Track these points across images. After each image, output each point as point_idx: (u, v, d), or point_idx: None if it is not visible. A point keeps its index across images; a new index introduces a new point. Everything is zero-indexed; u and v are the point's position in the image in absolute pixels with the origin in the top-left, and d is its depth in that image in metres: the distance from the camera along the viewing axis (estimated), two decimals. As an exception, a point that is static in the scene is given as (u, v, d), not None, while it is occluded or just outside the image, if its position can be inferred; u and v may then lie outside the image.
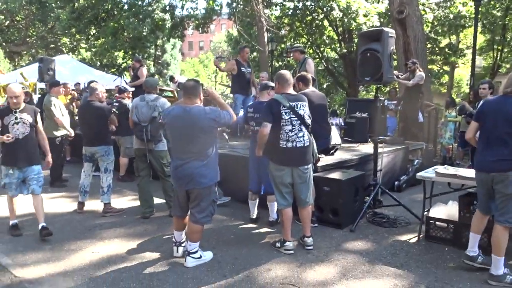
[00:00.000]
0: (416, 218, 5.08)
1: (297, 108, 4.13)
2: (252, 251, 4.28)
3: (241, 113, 8.83)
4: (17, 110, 4.59)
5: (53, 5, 23.41)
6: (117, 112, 6.35)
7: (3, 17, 31.78)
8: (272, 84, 5.28)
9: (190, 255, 3.93)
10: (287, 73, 4.34)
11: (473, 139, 3.89)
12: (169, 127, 3.99)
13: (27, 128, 4.61)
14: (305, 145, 4.16)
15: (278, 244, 4.31)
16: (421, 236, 4.63)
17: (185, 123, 3.80)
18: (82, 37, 24.74)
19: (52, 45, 31.03)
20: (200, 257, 3.99)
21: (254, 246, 4.45)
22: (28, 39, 32.75)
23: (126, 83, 10.67)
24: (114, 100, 7.61)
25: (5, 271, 3.82)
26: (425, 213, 4.66)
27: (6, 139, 4.45)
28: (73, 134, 7.04)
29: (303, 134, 4.15)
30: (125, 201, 6.23)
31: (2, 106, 4.91)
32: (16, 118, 4.56)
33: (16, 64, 31.35)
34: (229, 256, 4.15)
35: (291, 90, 4.30)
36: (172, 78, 14.10)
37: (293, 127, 4.10)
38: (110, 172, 5.58)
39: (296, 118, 4.10)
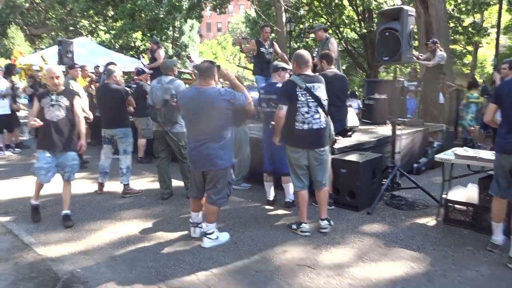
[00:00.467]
0: (434, 201, 5.03)
1: (313, 89, 4.06)
2: (268, 233, 4.31)
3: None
4: (55, 93, 4.47)
5: (72, -14, 23.52)
6: (134, 93, 6.39)
7: (23, 0, 32.13)
8: (283, 65, 5.24)
9: (207, 235, 3.98)
10: (305, 54, 4.23)
11: (492, 121, 3.81)
12: (184, 109, 3.99)
13: (62, 112, 4.46)
14: (322, 127, 4.11)
15: (294, 226, 4.32)
16: (439, 219, 4.59)
17: (200, 105, 3.80)
18: (100, 19, 24.85)
19: (71, 28, 31.29)
20: (217, 238, 4.03)
21: (271, 227, 4.47)
22: (47, 21, 33.13)
23: (144, 65, 10.69)
24: (132, 82, 7.65)
25: (29, 249, 3.94)
26: (444, 196, 4.60)
27: (32, 124, 4.38)
28: (91, 117, 7.10)
29: (320, 116, 4.09)
30: (144, 182, 6.32)
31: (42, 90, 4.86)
32: (52, 100, 4.44)
33: (37, 47, 31.76)
34: (245, 237, 4.19)
35: (308, 72, 4.21)
36: (188, 57, 14.15)
37: (309, 109, 4.04)
38: (129, 154, 5.65)
39: (312, 100, 4.04)
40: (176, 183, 5.78)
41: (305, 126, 4.05)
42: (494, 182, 3.76)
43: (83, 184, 6.19)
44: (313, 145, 4.12)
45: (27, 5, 32.61)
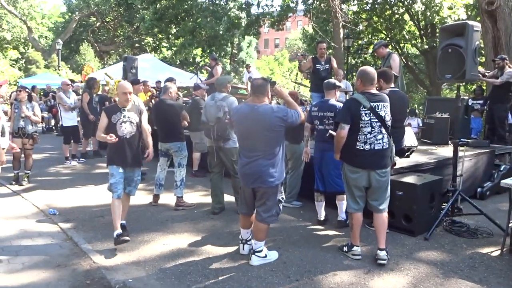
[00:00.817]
0: (499, 229, 4.67)
1: (378, 109, 3.88)
2: (318, 254, 4.20)
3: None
4: (126, 109, 4.48)
5: (139, 6, 24.85)
6: (189, 108, 6.59)
7: (94, 18, 34.46)
8: (339, 84, 5.16)
9: (256, 253, 3.95)
10: (371, 71, 4.06)
11: None
12: (237, 125, 4.02)
13: (133, 128, 4.50)
14: (384, 147, 3.92)
15: (345, 248, 4.17)
16: (504, 249, 4.24)
17: (253, 122, 3.81)
18: (164, 37, 26.00)
19: (137, 45, 33.09)
20: (266, 256, 3.99)
21: (321, 248, 4.36)
22: (115, 39, 35.21)
23: (201, 81, 11.00)
24: (190, 98, 7.90)
25: (86, 256, 4.11)
26: (511, 224, 4.26)
27: (109, 139, 4.30)
28: (150, 130, 7.38)
29: (383, 136, 3.91)
30: (197, 196, 6.43)
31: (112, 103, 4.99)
32: (124, 117, 4.43)
33: (105, 62, 33.76)
34: (294, 257, 4.11)
35: (373, 90, 4.03)
36: (248, 66, 14.40)
37: (373, 129, 3.87)
38: (183, 167, 5.80)
39: (376, 120, 3.87)
40: (228, 198, 5.82)
41: (367, 147, 3.88)
42: None
43: (139, 195, 6.37)
44: (374, 166, 3.92)
45: (98, 23, 34.92)
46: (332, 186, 4.89)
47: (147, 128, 4.81)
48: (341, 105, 4.78)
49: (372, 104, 3.86)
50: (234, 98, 5.41)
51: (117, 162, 4.45)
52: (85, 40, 33.18)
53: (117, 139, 4.33)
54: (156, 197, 5.94)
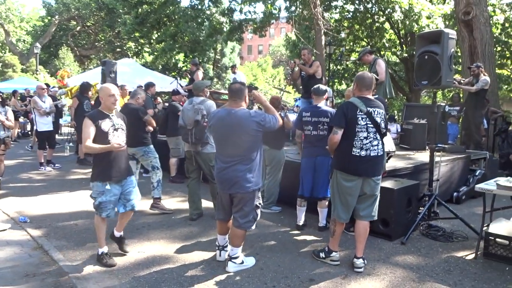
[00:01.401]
0: (474, 233, 4.72)
1: (374, 114, 3.80)
2: (296, 260, 4.17)
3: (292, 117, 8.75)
4: (113, 115, 4.02)
5: (120, 10, 24.65)
6: (164, 113, 6.55)
7: (75, 23, 34.01)
8: (325, 88, 5.17)
9: (232, 260, 3.89)
10: (368, 76, 3.97)
11: None
12: (214, 129, 3.98)
13: (125, 135, 4.09)
14: (379, 154, 3.84)
15: (322, 254, 4.09)
16: (479, 253, 4.28)
17: (230, 126, 3.77)
18: (145, 41, 25.81)
19: (118, 49, 32.72)
20: (242, 262, 3.93)
21: (299, 254, 4.33)
22: (96, 43, 34.81)
23: (181, 86, 10.92)
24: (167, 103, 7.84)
25: (56, 265, 3.99)
26: (485, 228, 4.31)
27: (118, 147, 3.82)
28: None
29: (378, 143, 3.82)
30: (175, 202, 6.34)
31: (93, 110, 4.11)
32: (116, 124, 3.99)
33: (86, 67, 33.31)
34: (272, 263, 4.07)
35: (369, 95, 3.94)
36: (233, 67, 14.37)
37: (368, 135, 3.77)
38: (157, 169, 5.79)
39: (372, 125, 3.78)
40: (206, 204, 5.75)
41: (363, 153, 3.76)
42: None
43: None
44: (370, 173, 3.82)
45: (79, 27, 34.48)
46: (319, 191, 4.88)
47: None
48: (333, 110, 4.78)
49: (368, 109, 3.79)
50: (212, 102, 5.37)
51: (106, 178, 3.90)
52: (64, 44, 32.71)
53: (124, 147, 3.92)
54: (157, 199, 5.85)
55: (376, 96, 5.16)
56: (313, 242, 4.68)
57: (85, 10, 31.45)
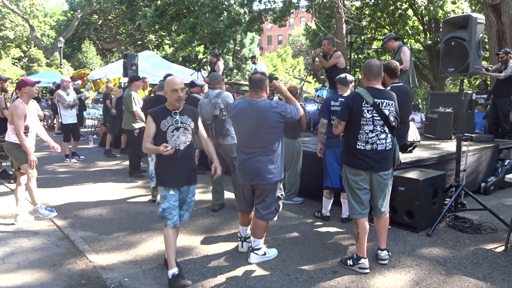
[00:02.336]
0: (504, 225, 4.58)
1: (381, 106, 3.59)
2: (318, 251, 4.13)
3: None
4: (177, 112, 3.57)
5: (141, 3, 24.78)
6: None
7: (97, 16, 34.44)
8: (351, 77, 5.07)
9: (254, 251, 3.88)
10: (377, 64, 3.77)
11: None
12: (235, 121, 3.94)
13: (188, 136, 3.60)
14: (387, 148, 3.64)
15: (350, 262, 3.74)
16: (509, 245, 4.14)
17: (251, 117, 3.73)
18: (165, 34, 25.93)
19: (139, 42, 33.03)
20: (264, 254, 3.92)
21: (322, 246, 4.29)
22: (118, 36, 35.20)
23: (204, 78, 10.91)
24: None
25: (82, 256, 4.05)
26: (515, 220, 4.17)
27: (164, 151, 3.34)
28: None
29: (386, 136, 3.62)
30: (197, 193, 6.31)
31: (160, 107, 3.65)
32: (176, 122, 3.52)
33: (108, 60, 33.75)
34: (294, 255, 4.04)
35: (378, 85, 3.73)
36: (254, 58, 14.29)
37: (375, 128, 3.58)
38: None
39: (379, 118, 3.58)
40: (228, 195, 5.75)
41: (368, 147, 3.60)
42: None
43: (138, 193, 6.36)
44: (377, 168, 3.64)
45: (100, 21, 34.90)
46: (339, 182, 4.81)
47: (205, 135, 3.94)
48: None
49: (376, 100, 3.58)
50: (228, 93, 5.39)
51: (171, 183, 3.55)
52: (87, 38, 33.17)
53: (173, 149, 3.42)
54: (155, 190, 5.88)
55: (401, 84, 5.04)
56: (336, 234, 4.63)
57: (106, 3, 31.78)
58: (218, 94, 5.26)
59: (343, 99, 4.78)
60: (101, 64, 29.05)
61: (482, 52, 4.84)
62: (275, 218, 3.95)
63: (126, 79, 9.73)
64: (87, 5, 32.81)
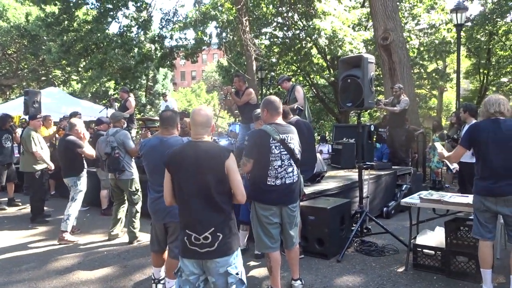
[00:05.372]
0: (404, 246, 4.96)
1: (287, 141, 3.70)
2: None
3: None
4: None
5: (45, 37, 23.59)
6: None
7: (-6, 51, 32.01)
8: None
9: (169, 293, 3.76)
10: (276, 100, 3.86)
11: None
12: (146, 158, 3.88)
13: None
14: (294, 181, 3.76)
15: None
16: (409, 264, 4.49)
17: (161, 155, 3.67)
18: (73, 69, 24.84)
19: (43, 78, 31.17)
20: (179, 294, 3.81)
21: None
22: (19, 72, 32.91)
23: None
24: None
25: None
26: (412, 240, 4.54)
27: None
28: (53, 167, 6.91)
29: (293, 169, 3.74)
30: (105, 235, 6.01)
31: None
32: None
33: (8, 97, 31.34)
34: (210, 292, 3.97)
35: (279, 120, 3.84)
36: (164, 95, 14.16)
37: (283, 162, 3.65)
38: (74, 201, 5.84)
39: (286, 152, 3.67)
40: (144, 237, 5.57)
41: (278, 182, 3.65)
42: (476, 223, 3.72)
43: (41, 240, 5.88)
44: (286, 201, 3.72)
45: (-1, 55, 32.49)
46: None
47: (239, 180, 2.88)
48: None
49: (281, 136, 3.67)
50: (126, 132, 5.74)
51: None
52: (-18, 74, 30.61)
53: None
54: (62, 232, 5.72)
55: (299, 118, 5.33)
56: (253, 268, 4.66)
57: (5, 37, 29.75)
58: (115, 133, 5.60)
59: None
60: (-1, 101, 26.87)
61: (374, 88, 5.33)
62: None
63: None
64: (-18, 38, 30.43)
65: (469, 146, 3.80)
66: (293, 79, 8.06)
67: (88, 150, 5.95)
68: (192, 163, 2.70)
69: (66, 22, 16.95)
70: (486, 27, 17.51)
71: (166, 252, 3.88)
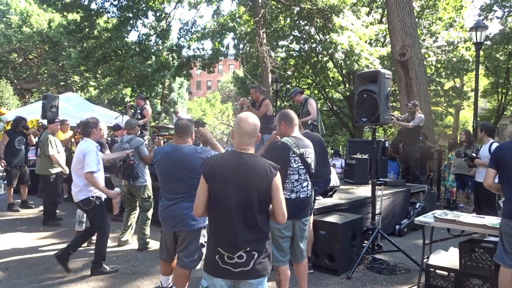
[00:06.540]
0: (416, 265, 4.86)
1: (305, 155, 3.71)
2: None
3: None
4: None
5: (65, 44, 24.04)
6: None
7: (16, 55, 32.76)
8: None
9: (176, 302, 3.74)
10: (291, 112, 3.88)
11: (492, 186, 3.81)
12: (159, 165, 3.89)
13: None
14: (308, 195, 3.77)
15: None
16: (420, 284, 4.40)
17: (175, 162, 3.71)
18: (91, 75, 25.22)
19: (62, 83, 31.71)
20: (187, 304, 3.79)
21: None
22: (39, 76, 33.57)
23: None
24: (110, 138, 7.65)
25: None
26: (425, 260, 4.45)
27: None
28: (67, 171, 6.97)
29: (307, 184, 3.76)
30: (114, 241, 6.03)
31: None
32: None
33: (27, 100, 31.93)
34: (217, 304, 3.93)
35: (296, 132, 3.85)
36: (176, 112, 14.27)
37: (299, 177, 3.68)
38: None
39: (303, 167, 3.69)
40: (154, 244, 5.57)
41: (293, 195, 3.65)
42: (500, 248, 3.61)
43: (52, 243, 5.92)
44: (300, 215, 3.72)
45: (20, 60, 33.21)
46: None
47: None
48: None
49: (301, 150, 3.69)
50: (140, 138, 5.81)
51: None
52: (3, 77, 31.24)
53: None
54: (77, 233, 5.60)
55: (309, 131, 5.27)
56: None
57: (27, 42, 30.42)
58: (130, 140, 5.68)
59: None
60: (18, 104, 27.38)
61: (390, 104, 5.29)
62: (198, 266, 3.85)
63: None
64: (5, 43, 31.15)
65: (496, 167, 3.74)
66: (306, 92, 8.02)
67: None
68: (236, 177, 2.49)
69: (87, 30, 17.29)
70: (506, 46, 17.33)
71: (175, 261, 3.87)
